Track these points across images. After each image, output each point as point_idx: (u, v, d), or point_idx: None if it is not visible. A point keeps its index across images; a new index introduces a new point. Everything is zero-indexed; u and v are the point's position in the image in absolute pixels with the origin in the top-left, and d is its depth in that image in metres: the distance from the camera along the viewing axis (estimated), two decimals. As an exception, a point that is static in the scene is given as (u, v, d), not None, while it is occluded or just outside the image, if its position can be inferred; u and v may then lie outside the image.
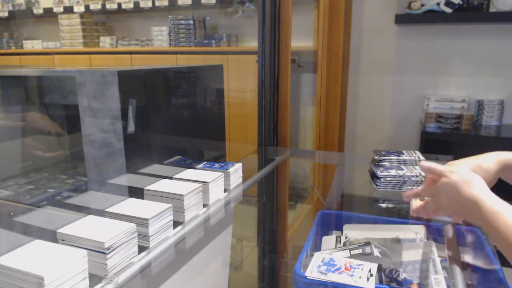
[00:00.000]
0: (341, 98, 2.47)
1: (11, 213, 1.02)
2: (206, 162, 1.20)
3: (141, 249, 0.80)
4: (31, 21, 4.00)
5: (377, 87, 2.70)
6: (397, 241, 0.93)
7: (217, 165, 1.17)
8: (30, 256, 0.65)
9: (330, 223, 1.07)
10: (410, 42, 2.55)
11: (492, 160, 0.88)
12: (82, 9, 3.47)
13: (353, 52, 2.70)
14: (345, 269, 0.75)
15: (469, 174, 0.79)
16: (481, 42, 2.40)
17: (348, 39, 2.62)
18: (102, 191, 0.96)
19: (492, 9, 2.23)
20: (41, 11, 3.69)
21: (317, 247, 0.98)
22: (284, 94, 1.85)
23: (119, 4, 3.29)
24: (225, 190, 1.13)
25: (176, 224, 0.92)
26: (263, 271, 1.09)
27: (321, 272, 0.74)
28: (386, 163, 1.28)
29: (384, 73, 2.66)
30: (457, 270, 0.79)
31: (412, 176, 1.21)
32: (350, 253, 0.86)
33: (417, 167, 1.27)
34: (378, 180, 1.22)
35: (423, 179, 1.20)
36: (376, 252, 0.85)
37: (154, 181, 1.00)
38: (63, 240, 0.74)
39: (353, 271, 0.74)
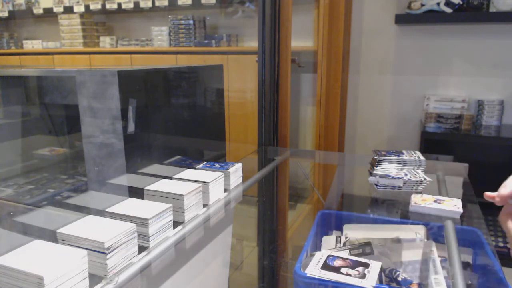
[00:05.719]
0: (341, 98, 2.47)
1: (11, 213, 1.02)
2: (206, 162, 1.20)
3: (141, 249, 0.80)
4: (31, 21, 4.00)
5: (377, 87, 2.70)
6: (397, 241, 0.93)
7: (217, 165, 1.17)
8: (30, 256, 0.65)
9: (330, 223, 1.07)
10: (410, 42, 2.55)
11: None
12: (82, 9, 3.47)
13: (353, 52, 2.70)
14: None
15: None
16: (481, 42, 2.40)
17: (348, 39, 2.62)
18: (102, 191, 0.96)
19: (492, 9, 2.23)
20: (41, 11, 3.69)
21: (317, 247, 0.98)
22: (284, 94, 1.85)
23: (119, 4, 3.29)
24: (225, 190, 1.13)
25: (176, 224, 0.92)
26: (263, 271, 1.09)
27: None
28: (386, 163, 1.28)
29: (384, 73, 2.66)
30: (457, 270, 0.79)
31: (412, 176, 1.21)
32: (350, 253, 0.86)
33: (418, 170, 1.27)
34: (377, 181, 1.22)
35: (423, 179, 1.20)
36: (376, 252, 0.85)
37: (154, 181, 1.00)
38: (63, 240, 0.74)
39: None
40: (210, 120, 1.34)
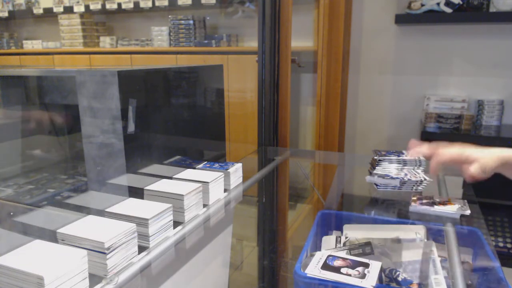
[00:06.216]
0: (341, 98, 2.47)
1: (11, 213, 1.02)
2: (206, 162, 1.20)
3: (141, 249, 0.80)
4: (31, 21, 4.00)
5: (377, 87, 2.70)
6: (397, 241, 0.93)
7: (217, 165, 1.17)
8: (30, 256, 0.65)
9: (330, 223, 1.07)
10: (410, 42, 2.55)
11: (491, 155, 0.92)
12: (82, 9, 3.48)
13: (353, 52, 2.70)
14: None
15: None
16: (481, 42, 2.40)
17: (348, 39, 2.62)
18: (102, 191, 0.96)
19: (492, 9, 2.23)
20: (41, 11, 3.69)
21: (317, 247, 0.98)
22: (284, 94, 1.85)
23: (119, 4, 3.29)
24: (225, 190, 1.13)
25: (176, 224, 0.92)
26: (263, 271, 1.09)
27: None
28: (386, 163, 1.28)
29: (384, 73, 2.66)
30: (457, 270, 0.79)
31: (412, 176, 1.21)
32: (350, 253, 0.86)
33: (418, 170, 1.27)
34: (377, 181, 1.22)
35: (423, 179, 1.20)
36: (376, 252, 0.85)
37: (154, 181, 1.00)
38: (63, 240, 0.74)
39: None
40: (210, 120, 1.34)
